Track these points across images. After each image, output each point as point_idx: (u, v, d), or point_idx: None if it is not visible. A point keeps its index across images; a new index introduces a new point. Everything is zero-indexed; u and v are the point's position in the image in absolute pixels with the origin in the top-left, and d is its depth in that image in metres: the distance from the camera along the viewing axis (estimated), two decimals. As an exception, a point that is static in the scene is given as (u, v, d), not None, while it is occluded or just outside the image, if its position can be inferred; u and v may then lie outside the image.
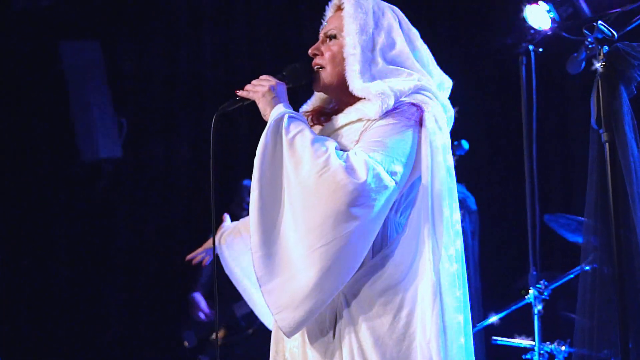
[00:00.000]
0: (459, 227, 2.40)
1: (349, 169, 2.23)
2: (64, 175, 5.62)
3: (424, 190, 2.35)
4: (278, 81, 2.46)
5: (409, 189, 2.39)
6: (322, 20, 2.59)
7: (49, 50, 5.45)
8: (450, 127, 2.52)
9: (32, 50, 5.47)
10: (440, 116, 2.42)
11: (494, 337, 4.02)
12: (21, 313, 5.52)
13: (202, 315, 4.81)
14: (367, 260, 2.35)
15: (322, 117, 2.58)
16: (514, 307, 3.94)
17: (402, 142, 2.33)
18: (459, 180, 2.72)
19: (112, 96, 5.55)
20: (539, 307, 3.79)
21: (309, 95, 2.66)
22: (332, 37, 2.51)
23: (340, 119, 2.46)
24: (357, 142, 2.37)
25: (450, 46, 5.18)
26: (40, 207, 5.58)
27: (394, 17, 2.52)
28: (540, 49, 4.02)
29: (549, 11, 3.82)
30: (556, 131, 5.11)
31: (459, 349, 2.31)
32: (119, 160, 5.60)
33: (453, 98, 2.58)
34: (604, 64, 2.42)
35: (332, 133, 2.45)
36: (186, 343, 4.89)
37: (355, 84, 2.41)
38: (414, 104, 2.38)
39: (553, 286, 3.84)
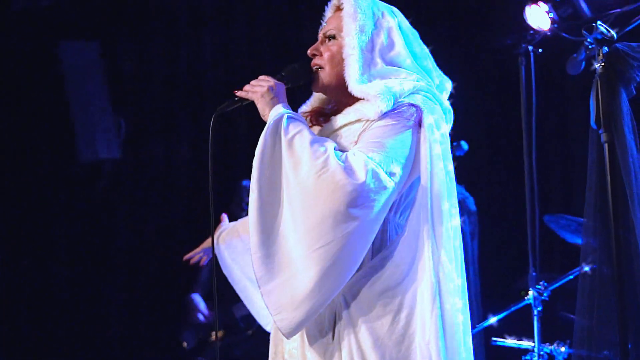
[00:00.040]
0: (458, 228, 2.40)
1: (348, 170, 2.23)
2: (64, 176, 5.62)
3: (423, 191, 2.35)
4: (277, 81, 2.46)
5: (408, 189, 2.39)
6: (321, 21, 2.59)
7: (48, 50, 5.45)
8: (450, 127, 2.51)
9: (31, 50, 5.47)
10: (439, 117, 2.41)
11: (494, 338, 4.01)
12: (21, 313, 5.52)
13: (200, 317, 4.81)
14: (366, 261, 2.35)
15: (321, 118, 2.58)
16: (513, 308, 3.94)
17: (401, 143, 2.33)
18: (459, 181, 2.72)
19: (111, 96, 5.55)
20: (539, 308, 3.79)
21: (308, 96, 2.66)
22: (331, 37, 2.51)
23: (339, 120, 2.45)
24: (356, 142, 2.37)
25: (450, 46, 5.17)
26: (40, 208, 5.57)
27: (393, 17, 2.52)
28: (540, 50, 4.02)
29: (548, 12, 3.81)
30: (556, 132, 5.11)
31: (459, 350, 2.30)
32: (118, 160, 5.60)
33: (452, 98, 2.58)
34: (603, 64, 2.42)
35: (331, 134, 2.45)
36: (185, 344, 4.89)
37: (354, 85, 2.41)
38: (413, 105, 2.38)
39: (553, 287, 3.84)
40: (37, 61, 5.49)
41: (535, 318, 3.80)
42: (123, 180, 5.77)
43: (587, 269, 2.60)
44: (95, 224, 5.71)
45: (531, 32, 3.95)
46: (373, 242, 2.33)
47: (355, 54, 2.42)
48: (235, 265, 2.89)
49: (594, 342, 2.53)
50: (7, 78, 5.43)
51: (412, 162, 2.35)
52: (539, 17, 3.84)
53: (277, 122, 2.33)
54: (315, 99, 2.64)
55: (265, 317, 2.87)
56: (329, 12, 2.58)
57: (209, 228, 2.50)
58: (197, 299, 4.85)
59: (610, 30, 2.40)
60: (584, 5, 3.38)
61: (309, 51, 2.54)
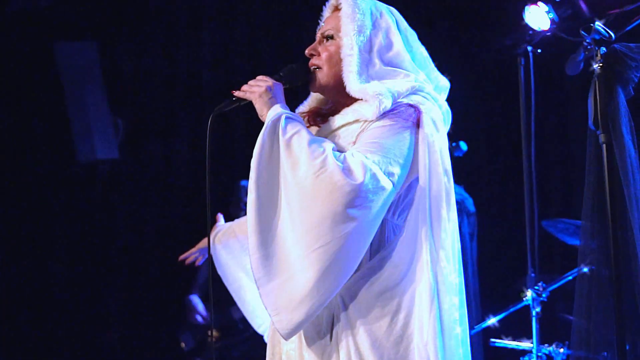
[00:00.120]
0: (456, 228, 2.39)
1: (346, 170, 2.22)
2: (62, 176, 5.61)
3: (421, 192, 2.35)
4: (275, 82, 2.45)
5: (407, 190, 2.38)
6: (319, 21, 2.58)
7: (46, 51, 5.45)
8: (448, 128, 2.51)
9: (29, 50, 5.46)
10: (437, 117, 2.41)
11: (492, 339, 4.01)
12: (20, 313, 5.52)
13: (199, 318, 4.81)
14: (364, 262, 2.34)
15: (319, 118, 2.58)
16: (512, 309, 3.93)
17: (399, 144, 2.33)
18: (458, 181, 2.72)
19: (109, 97, 5.55)
20: (537, 308, 3.79)
21: (307, 96, 2.65)
22: (329, 37, 2.50)
23: (337, 120, 2.45)
24: (354, 143, 2.36)
25: (449, 47, 5.18)
26: (38, 208, 5.57)
27: (391, 18, 2.51)
28: (539, 50, 4.02)
29: (548, 12, 3.81)
30: (555, 132, 5.11)
31: (457, 351, 2.30)
32: (116, 161, 5.59)
33: (451, 98, 2.57)
34: (601, 65, 2.41)
35: (329, 134, 2.44)
36: (183, 345, 4.89)
37: (352, 85, 2.40)
38: (411, 105, 2.38)
39: (551, 288, 3.84)
40: (35, 61, 5.49)
41: (534, 319, 3.80)
42: (121, 180, 5.76)
43: (585, 269, 2.60)
44: (93, 224, 5.71)
45: (530, 32, 3.95)
46: (371, 243, 2.33)
47: (354, 54, 2.42)
48: (233, 265, 2.88)
49: (592, 343, 2.52)
50: (5, 78, 5.42)
51: (411, 163, 2.35)
52: (538, 18, 3.84)
53: (275, 122, 2.33)
54: (313, 99, 2.64)
55: (257, 319, 2.87)
56: (326, 12, 2.57)
57: (206, 228, 2.50)
58: (196, 300, 4.85)
59: (608, 30, 2.40)
60: (583, 5, 3.38)
61: (306, 51, 2.53)
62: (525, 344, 3.88)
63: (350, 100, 2.44)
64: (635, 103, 2.52)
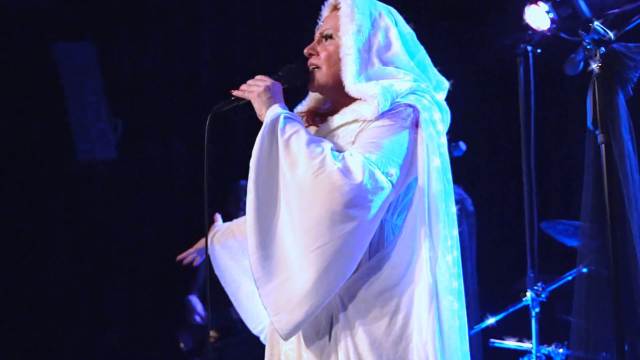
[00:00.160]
0: (455, 228, 2.39)
1: (345, 170, 2.22)
2: (61, 176, 5.61)
3: (420, 192, 2.34)
4: (274, 81, 2.45)
5: (406, 190, 2.38)
6: (318, 20, 2.58)
7: (44, 50, 5.44)
8: (447, 128, 2.51)
9: (28, 50, 5.46)
10: (436, 117, 2.41)
11: (492, 339, 4.01)
12: (19, 313, 5.51)
13: (198, 319, 4.80)
14: (363, 262, 2.34)
15: (317, 118, 2.57)
16: (511, 309, 3.94)
17: (398, 144, 2.33)
18: (457, 181, 2.72)
19: (108, 97, 5.54)
20: (537, 309, 3.79)
21: (306, 95, 2.65)
22: (328, 37, 2.50)
23: (336, 120, 2.45)
24: (353, 143, 2.36)
25: (449, 46, 5.17)
26: (37, 207, 5.57)
27: (390, 17, 2.51)
28: (539, 50, 4.01)
29: (548, 11, 3.81)
30: (555, 132, 5.10)
31: (456, 351, 2.30)
32: (115, 161, 5.59)
33: (451, 98, 2.57)
34: (600, 65, 2.41)
35: (327, 134, 2.44)
36: (182, 345, 4.88)
37: (351, 85, 2.40)
38: (410, 105, 2.37)
39: (550, 288, 3.84)
40: (34, 62, 5.49)
41: (533, 319, 3.80)
42: (120, 180, 5.76)
43: (585, 270, 2.60)
44: (92, 223, 5.71)
45: (530, 32, 3.94)
46: (370, 243, 2.33)
47: (352, 54, 2.41)
48: (231, 266, 2.88)
49: (591, 344, 2.52)
50: (4, 78, 5.42)
51: (409, 163, 2.35)
52: (538, 17, 3.83)
53: (274, 122, 2.33)
54: (311, 99, 2.63)
55: (253, 321, 2.87)
56: (325, 11, 2.57)
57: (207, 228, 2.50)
58: (195, 300, 4.85)
59: (607, 30, 2.40)
60: (583, 5, 3.37)
61: (305, 50, 2.52)
62: (524, 344, 3.88)
63: (349, 100, 2.43)
64: (634, 103, 2.51)
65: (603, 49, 2.42)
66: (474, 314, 4.25)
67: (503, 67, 4.65)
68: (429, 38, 2.72)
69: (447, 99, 2.55)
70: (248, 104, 2.44)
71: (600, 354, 2.53)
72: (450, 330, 2.29)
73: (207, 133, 2.44)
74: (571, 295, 2.63)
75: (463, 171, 4.28)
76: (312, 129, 2.53)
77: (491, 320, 3.96)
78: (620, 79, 2.40)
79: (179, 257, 3.01)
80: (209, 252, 2.88)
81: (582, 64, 2.59)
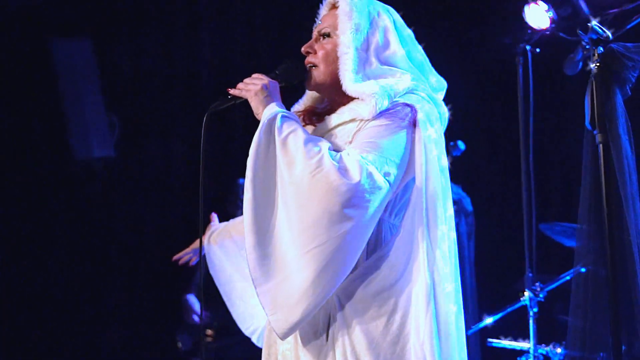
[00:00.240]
0: (453, 228, 2.39)
1: (342, 170, 2.22)
2: (58, 174, 5.61)
3: (418, 192, 2.34)
4: (271, 80, 2.44)
5: (403, 190, 2.37)
6: (316, 19, 2.57)
7: (41, 48, 5.44)
8: (445, 127, 2.50)
9: (25, 48, 5.45)
10: (434, 117, 2.40)
11: (489, 339, 4.01)
12: (19, 313, 5.51)
13: (196, 318, 4.80)
14: (361, 261, 2.33)
15: (314, 117, 2.57)
16: (509, 309, 3.93)
17: (396, 143, 2.32)
18: (455, 181, 2.71)
19: (105, 95, 5.54)
20: (535, 309, 3.79)
21: (301, 94, 2.64)
22: (326, 35, 2.49)
23: (333, 119, 2.44)
24: (351, 142, 2.36)
25: (448, 45, 5.17)
26: (35, 206, 5.56)
27: (388, 17, 2.50)
28: (538, 49, 4.01)
29: (547, 10, 3.80)
30: (554, 131, 5.10)
31: (453, 351, 2.30)
32: (113, 159, 5.59)
33: (449, 97, 2.57)
34: (598, 65, 2.41)
35: (325, 133, 2.44)
36: (180, 345, 4.88)
37: (349, 84, 2.39)
38: (407, 105, 2.37)
39: (548, 288, 3.84)
40: (31, 60, 5.47)
41: (531, 319, 3.80)
42: (119, 180, 5.76)
43: (583, 270, 2.60)
44: (91, 223, 5.70)
45: (529, 31, 3.94)
46: (368, 243, 2.32)
47: (350, 52, 2.40)
48: (227, 266, 2.87)
49: (589, 344, 2.52)
50: (1, 77, 5.41)
51: (407, 163, 2.34)
52: (538, 16, 3.83)
53: (271, 121, 2.32)
54: (308, 98, 2.63)
55: (245, 322, 2.85)
56: (323, 9, 2.56)
57: (203, 227, 2.49)
58: (192, 299, 4.85)
59: (605, 30, 2.39)
60: (583, 4, 3.37)
61: (302, 49, 2.51)
62: (522, 344, 3.88)
63: (346, 99, 2.43)
64: (633, 103, 2.51)
65: (601, 48, 2.42)
66: (472, 313, 4.26)
67: (502, 67, 4.65)
68: (429, 38, 2.71)
69: (445, 98, 2.55)
70: (245, 103, 2.43)
71: (598, 353, 2.53)
72: (448, 330, 2.29)
73: (204, 132, 2.43)
74: (569, 295, 2.63)
75: (462, 171, 4.28)
76: (309, 128, 2.52)
77: (489, 320, 3.96)
78: (618, 79, 2.39)
79: (175, 257, 3.01)
80: (208, 251, 2.88)
81: (581, 63, 2.58)
